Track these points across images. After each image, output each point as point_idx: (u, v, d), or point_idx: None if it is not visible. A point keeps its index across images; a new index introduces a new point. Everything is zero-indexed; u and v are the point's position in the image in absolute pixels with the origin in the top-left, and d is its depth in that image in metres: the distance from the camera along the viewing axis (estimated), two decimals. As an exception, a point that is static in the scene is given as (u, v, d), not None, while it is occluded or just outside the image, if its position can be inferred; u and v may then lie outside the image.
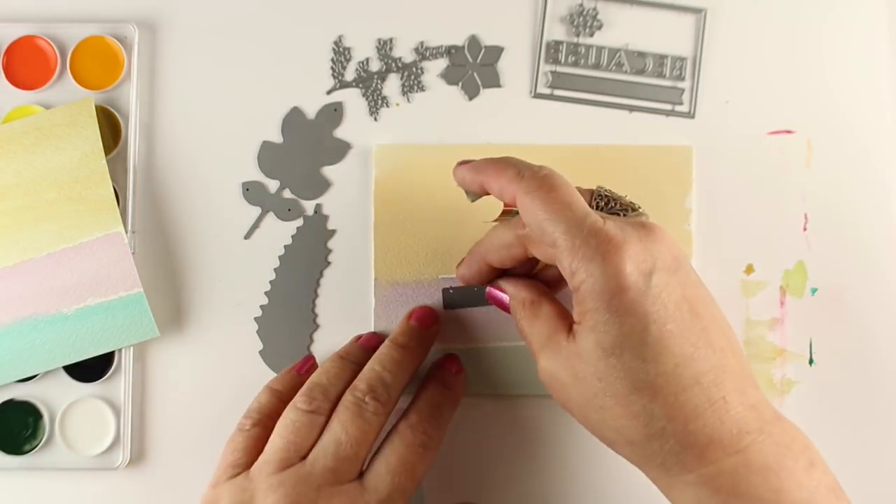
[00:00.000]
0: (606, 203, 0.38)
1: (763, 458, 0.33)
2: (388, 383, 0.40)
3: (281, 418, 0.40)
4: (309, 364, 0.44)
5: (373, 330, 0.45)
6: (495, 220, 0.41)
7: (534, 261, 0.39)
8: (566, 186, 0.35)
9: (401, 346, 0.42)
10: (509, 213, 0.43)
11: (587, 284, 0.34)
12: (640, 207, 0.39)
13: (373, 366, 0.41)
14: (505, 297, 0.40)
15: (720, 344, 0.34)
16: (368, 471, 0.39)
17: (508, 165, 0.37)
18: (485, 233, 0.40)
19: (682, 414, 0.33)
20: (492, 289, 0.41)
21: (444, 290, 0.45)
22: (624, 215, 0.38)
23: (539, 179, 0.36)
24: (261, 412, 0.41)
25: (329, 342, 0.46)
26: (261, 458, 0.39)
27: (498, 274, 0.41)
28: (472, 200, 0.40)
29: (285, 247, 0.46)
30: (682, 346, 0.33)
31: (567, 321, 0.37)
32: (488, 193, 0.39)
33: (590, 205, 0.38)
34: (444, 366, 0.44)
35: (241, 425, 0.41)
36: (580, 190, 0.39)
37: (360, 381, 0.40)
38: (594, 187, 0.39)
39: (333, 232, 0.46)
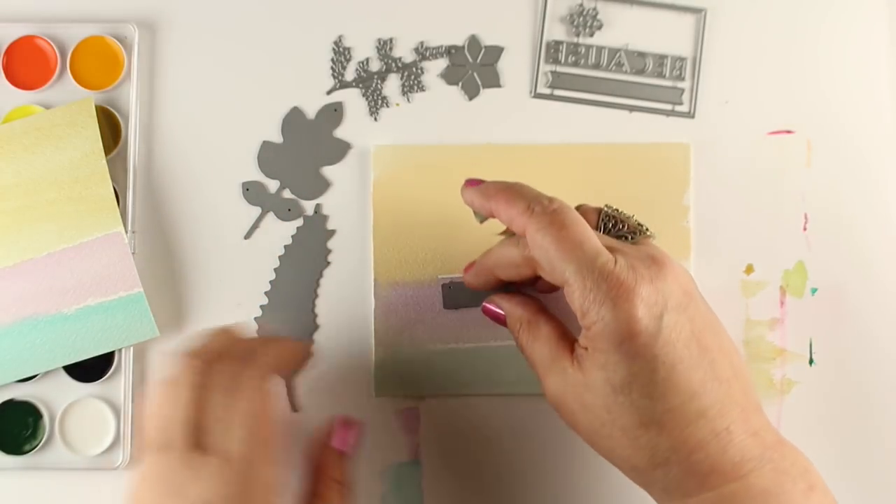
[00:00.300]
0: (614, 225, 0.38)
1: (762, 483, 0.33)
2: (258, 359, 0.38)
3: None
4: None
5: (373, 330, 0.45)
6: (502, 234, 0.41)
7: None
8: (577, 224, 0.35)
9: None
10: None
11: (598, 326, 0.34)
12: (647, 229, 0.39)
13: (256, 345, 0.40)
14: (501, 313, 0.40)
15: (726, 374, 0.35)
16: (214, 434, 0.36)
17: (519, 197, 0.36)
18: (492, 243, 0.40)
19: (687, 446, 0.34)
20: (487, 305, 0.41)
21: (444, 287, 0.45)
22: (631, 238, 0.38)
23: (550, 216, 0.35)
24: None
25: (329, 342, 0.46)
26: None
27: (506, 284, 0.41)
28: (481, 221, 0.40)
29: (285, 247, 0.46)
30: (689, 383, 0.34)
31: (568, 341, 0.37)
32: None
33: (596, 226, 0.38)
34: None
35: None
36: (586, 209, 0.39)
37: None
38: (602, 206, 0.39)
39: (333, 232, 0.46)
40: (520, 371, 0.45)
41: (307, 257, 0.46)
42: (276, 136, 0.46)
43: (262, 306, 0.46)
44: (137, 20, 0.46)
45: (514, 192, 0.37)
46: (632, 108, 0.47)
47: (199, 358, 0.37)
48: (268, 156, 0.46)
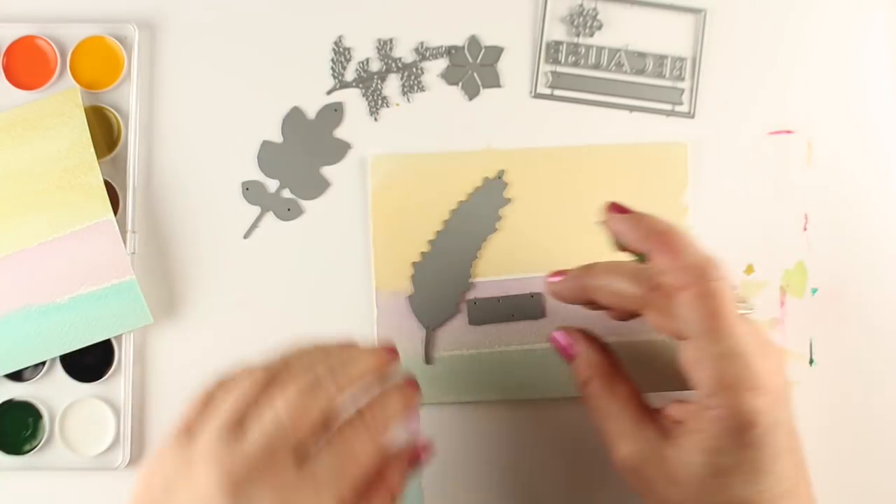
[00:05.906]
0: None
1: None
2: (351, 369, 0.36)
3: (235, 381, 0.35)
4: None
5: (375, 339, 0.45)
6: (623, 250, 0.38)
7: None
8: (732, 299, 0.34)
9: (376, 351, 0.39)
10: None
11: (719, 412, 0.34)
12: (750, 306, 0.39)
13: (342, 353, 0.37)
14: (573, 351, 0.39)
15: (799, 456, 0.37)
16: (314, 455, 0.34)
17: (684, 249, 0.35)
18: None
19: None
20: (561, 337, 0.40)
21: (469, 302, 0.45)
22: None
23: (717, 284, 0.34)
24: (229, 377, 0.36)
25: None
26: (208, 421, 0.34)
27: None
28: (619, 249, 0.38)
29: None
30: (781, 469, 0.35)
31: (646, 409, 0.37)
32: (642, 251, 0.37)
33: None
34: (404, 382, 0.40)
35: (205, 386, 0.36)
36: None
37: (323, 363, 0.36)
38: None
39: (333, 232, 0.46)
40: (523, 376, 0.45)
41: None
42: (276, 136, 0.46)
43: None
44: (137, 20, 0.46)
45: (678, 241, 0.35)
46: (632, 109, 0.47)
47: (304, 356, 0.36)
48: (268, 155, 0.46)
